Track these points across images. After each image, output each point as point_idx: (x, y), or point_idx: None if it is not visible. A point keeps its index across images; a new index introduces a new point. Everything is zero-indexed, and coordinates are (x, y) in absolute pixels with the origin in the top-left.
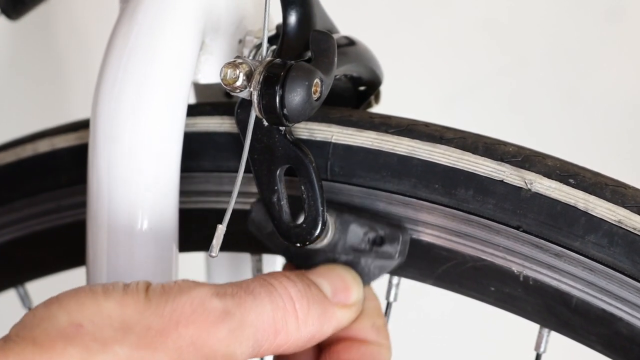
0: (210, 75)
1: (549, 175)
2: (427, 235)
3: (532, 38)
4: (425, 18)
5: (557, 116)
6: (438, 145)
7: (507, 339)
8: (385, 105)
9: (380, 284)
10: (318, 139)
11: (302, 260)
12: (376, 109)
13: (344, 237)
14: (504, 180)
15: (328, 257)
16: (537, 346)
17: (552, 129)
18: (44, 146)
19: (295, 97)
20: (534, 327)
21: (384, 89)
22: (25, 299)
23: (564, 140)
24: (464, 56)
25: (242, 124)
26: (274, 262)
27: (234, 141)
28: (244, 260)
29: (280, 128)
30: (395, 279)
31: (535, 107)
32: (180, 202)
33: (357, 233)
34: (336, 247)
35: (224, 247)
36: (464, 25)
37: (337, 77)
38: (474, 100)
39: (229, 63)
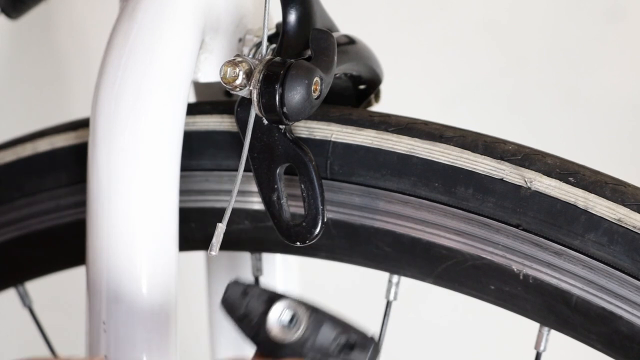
0: (210, 74)
1: (548, 173)
2: (427, 234)
3: (532, 38)
4: (426, 18)
5: (557, 116)
6: (438, 143)
7: (507, 337)
8: (385, 104)
9: (380, 284)
10: (318, 137)
11: (270, 350)
12: (376, 107)
13: (315, 336)
14: (504, 179)
15: (295, 352)
16: (537, 345)
17: (552, 128)
18: (43, 145)
19: (295, 95)
20: (534, 325)
21: (384, 88)
22: (25, 298)
23: (563, 140)
24: (465, 56)
25: (242, 123)
26: (274, 262)
27: (233, 140)
28: (244, 259)
29: (280, 126)
30: (395, 278)
31: (535, 107)
32: (180, 201)
33: (328, 334)
34: (305, 344)
35: (224, 246)
36: (464, 25)
37: (337, 75)
38: (475, 100)
39: (228, 61)
